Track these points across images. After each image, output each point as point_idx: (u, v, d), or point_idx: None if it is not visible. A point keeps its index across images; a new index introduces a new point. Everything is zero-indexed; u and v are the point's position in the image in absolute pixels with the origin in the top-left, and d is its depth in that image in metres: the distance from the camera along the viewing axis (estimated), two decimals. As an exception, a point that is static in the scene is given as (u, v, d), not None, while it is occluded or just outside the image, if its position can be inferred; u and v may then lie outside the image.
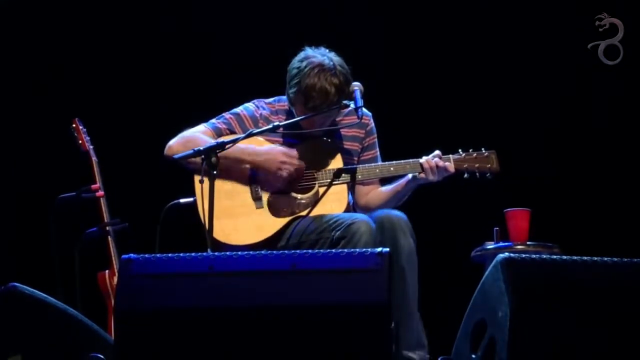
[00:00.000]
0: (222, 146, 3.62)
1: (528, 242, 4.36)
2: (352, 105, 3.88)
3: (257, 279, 2.81)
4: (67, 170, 4.97)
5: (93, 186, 4.66)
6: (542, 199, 4.92)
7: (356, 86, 3.91)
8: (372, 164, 3.99)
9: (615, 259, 2.86)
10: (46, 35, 5.34)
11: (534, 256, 2.88)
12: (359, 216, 3.74)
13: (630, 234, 5.04)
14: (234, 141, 3.71)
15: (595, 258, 2.86)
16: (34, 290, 3.22)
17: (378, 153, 4.08)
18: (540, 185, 5.16)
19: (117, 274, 4.52)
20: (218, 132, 3.94)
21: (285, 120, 3.95)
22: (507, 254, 2.85)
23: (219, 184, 3.66)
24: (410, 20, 5.35)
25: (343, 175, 3.91)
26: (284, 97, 4.00)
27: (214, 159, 3.57)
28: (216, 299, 2.80)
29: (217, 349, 2.78)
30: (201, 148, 3.61)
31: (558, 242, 4.39)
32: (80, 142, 4.76)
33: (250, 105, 4.03)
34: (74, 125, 4.79)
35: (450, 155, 3.94)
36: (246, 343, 2.76)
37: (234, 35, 5.37)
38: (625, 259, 2.86)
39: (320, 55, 3.89)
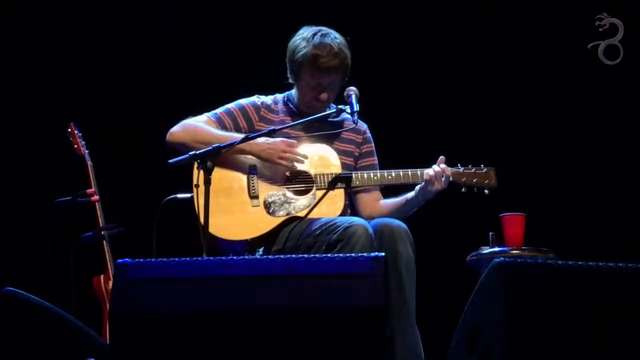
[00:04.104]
0: (218, 151, 3.63)
1: (523, 247, 4.37)
2: (349, 110, 3.91)
3: (252, 283, 2.81)
4: (63, 174, 4.97)
5: (88, 190, 4.66)
6: (538, 203, 4.92)
7: (352, 90, 3.94)
8: (371, 171, 4.00)
9: (611, 264, 2.86)
10: (43, 37, 5.34)
11: (529, 261, 2.89)
12: (356, 219, 3.74)
13: (625, 239, 5.04)
14: (230, 145, 3.72)
15: (591, 263, 2.86)
16: (30, 295, 3.22)
17: (376, 162, 4.11)
18: (536, 190, 5.16)
19: (112, 278, 4.52)
20: (221, 123, 3.98)
21: (287, 109, 4.04)
22: (502, 258, 2.85)
23: (216, 181, 3.68)
24: (406, 23, 5.35)
25: (341, 180, 3.92)
26: (280, 94, 4.09)
27: (209, 163, 3.58)
28: (212, 303, 2.80)
29: (213, 353, 2.77)
30: (197, 152, 3.62)
31: (553, 247, 4.40)
32: (75, 146, 4.76)
33: (251, 97, 4.10)
34: (69, 130, 4.79)
35: (449, 169, 3.95)
36: (241, 348, 2.76)
37: (231, 38, 5.38)
38: (621, 264, 2.86)
39: (316, 27, 4.02)
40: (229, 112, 4.01)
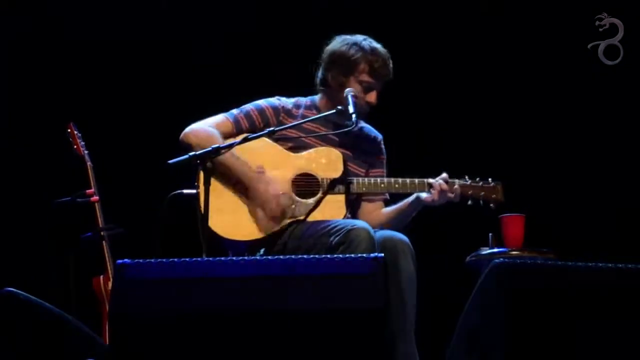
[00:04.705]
0: (218, 151, 3.63)
1: (523, 248, 4.37)
2: (351, 109, 3.89)
3: (252, 284, 2.80)
4: (63, 174, 4.97)
5: (88, 191, 4.67)
6: (537, 204, 4.92)
7: (351, 92, 3.93)
8: (378, 178, 3.98)
9: (610, 265, 2.86)
10: (41, 39, 5.34)
11: (528, 261, 2.89)
12: (358, 222, 3.73)
13: (624, 240, 5.04)
14: (230, 146, 3.71)
15: (590, 263, 2.86)
16: (29, 295, 3.23)
17: (385, 174, 4.09)
18: (535, 191, 5.15)
19: (112, 278, 4.52)
20: (238, 126, 3.95)
21: (309, 112, 4.01)
22: (502, 259, 2.86)
23: (222, 181, 3.67)
24: (409, 28, 5.34)
25: (345, 185, 3.91)
26: (302, 98, 4.07)
27: (209, 164, 3.58)
28: (211, 304, 2.80)
29: (213, 354, 2.78)
30: (197, 153, 3.61)
31: (552, 248, 4.40)
32: (75, 147, 4.77)
33: (272, 98, 4.06)
34: (69, 130, 4.79)
35: (456, 180, 3.94)
36: (241, 348, 2.76)
37: (231, 38, 5.38)
38: (620, 265, 2.86)
39: (358, 35, 4.04)
40: (247, 115, 3.97)
